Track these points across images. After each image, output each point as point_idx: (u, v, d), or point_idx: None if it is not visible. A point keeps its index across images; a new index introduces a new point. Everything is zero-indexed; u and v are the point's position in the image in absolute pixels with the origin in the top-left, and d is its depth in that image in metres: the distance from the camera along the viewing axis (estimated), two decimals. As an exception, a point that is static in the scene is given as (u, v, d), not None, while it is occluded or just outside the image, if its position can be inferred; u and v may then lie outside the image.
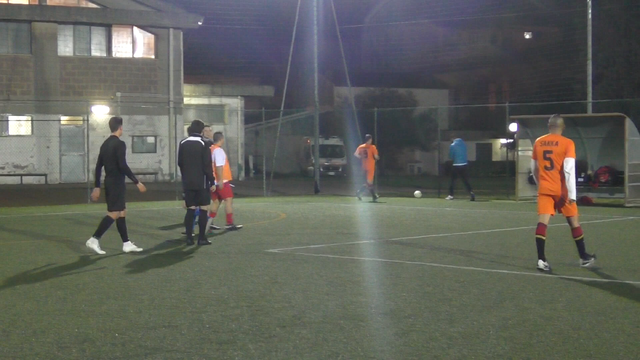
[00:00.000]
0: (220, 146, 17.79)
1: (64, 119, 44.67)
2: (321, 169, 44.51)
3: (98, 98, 44.76)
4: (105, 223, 14.33)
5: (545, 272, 11.89)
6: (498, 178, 46.35)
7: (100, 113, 44.35)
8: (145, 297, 10.06)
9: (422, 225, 20.03)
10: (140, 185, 14.36)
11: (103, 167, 14.41)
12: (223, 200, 18.59)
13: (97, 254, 14.13)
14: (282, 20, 52.43)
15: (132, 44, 47.27)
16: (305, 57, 40.96)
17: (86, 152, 34.75)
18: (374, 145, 29.65)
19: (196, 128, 15.77)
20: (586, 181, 28.08)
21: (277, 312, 9.15)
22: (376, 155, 29.55)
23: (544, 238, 12.17)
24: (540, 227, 12.17)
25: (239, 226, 18.94)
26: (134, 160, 45.56)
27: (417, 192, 30.94)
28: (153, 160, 47.26)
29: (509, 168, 33.68)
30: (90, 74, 45.80)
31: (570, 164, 12.02)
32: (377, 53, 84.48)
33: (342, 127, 55.57)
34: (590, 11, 35.01)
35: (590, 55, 35.42)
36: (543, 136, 12.45)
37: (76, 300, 9.93)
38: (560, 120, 12.37)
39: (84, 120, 37.74)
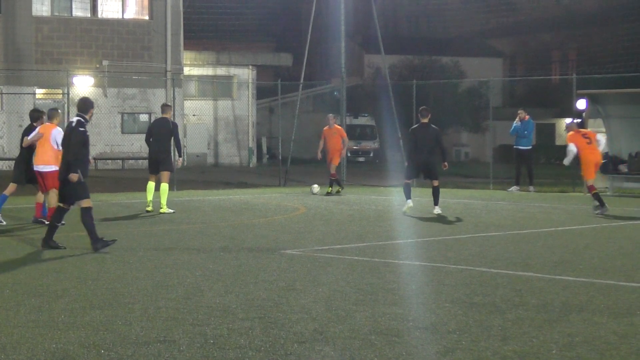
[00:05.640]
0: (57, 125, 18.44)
1: (39, 91, 44.85)
2: (349, 154, 44.50)
3: (80, 67, 44.92)
4: (437, 191, 21.51)
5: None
6: (562, 166, 46.07)
7: (83, 85, 44.49)
8: (136, 307, 10.09)
9: (469, 223, 19.99)
10: (445, 163, 22.10)
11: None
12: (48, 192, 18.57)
13: (440, 214, 20.78)
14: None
15: (121, 2, 47.37)
16: (331, 19, 40.86)
17: (66, 132, 34.73)
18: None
19: None
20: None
21: (294, 325, 9.16)
22: (345, 139, 29.82)
23: None
24: None
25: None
26: (124, 143, 45.71)
27: (314, 187, 28.99)
28: (147, 142, 47.38)
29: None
30: (71, 38, 45.94)
31: None
32: (416, 14, 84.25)
33: (374, 103, 55.57)
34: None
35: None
36: None
37: (54, 309, 9.96)
38: None
39: (63, 93, 37.87)
